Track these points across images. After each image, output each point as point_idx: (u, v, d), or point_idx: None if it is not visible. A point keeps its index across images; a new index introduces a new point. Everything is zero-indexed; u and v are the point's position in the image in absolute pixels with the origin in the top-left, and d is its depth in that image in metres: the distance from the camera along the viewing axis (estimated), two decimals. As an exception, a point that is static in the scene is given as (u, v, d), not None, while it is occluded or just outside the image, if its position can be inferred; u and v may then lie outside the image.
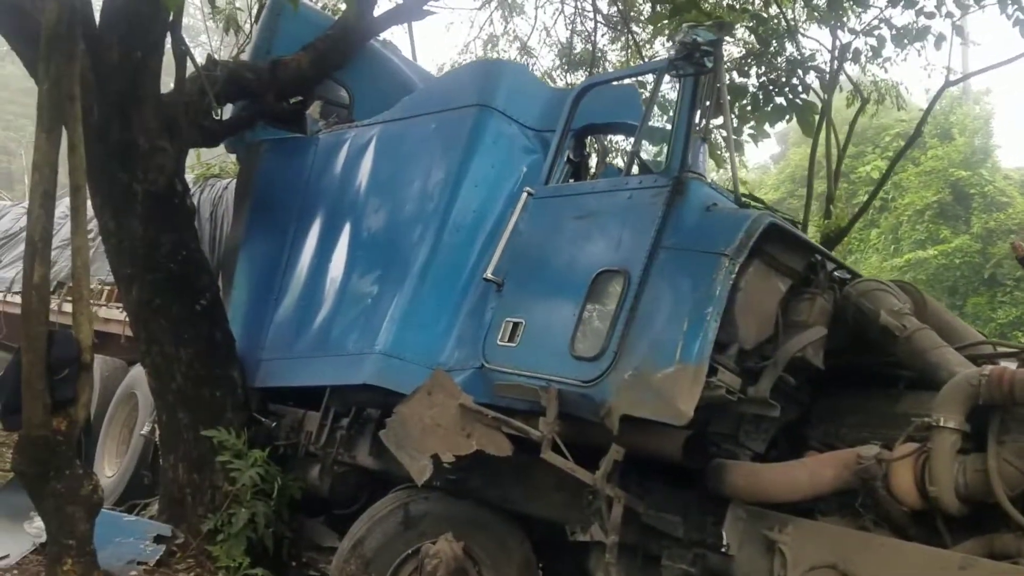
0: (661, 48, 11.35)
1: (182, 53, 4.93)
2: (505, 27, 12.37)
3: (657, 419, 2.99)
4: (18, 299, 9.68)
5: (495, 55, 11.85)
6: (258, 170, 5.62)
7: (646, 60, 11.99)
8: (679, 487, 3.35)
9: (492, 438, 3.61)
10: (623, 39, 11.67)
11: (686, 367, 2.93)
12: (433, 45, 43.75)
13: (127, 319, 7.10)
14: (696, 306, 2.99)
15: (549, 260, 3.78)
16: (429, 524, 4.11)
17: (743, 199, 3.56)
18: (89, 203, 7.87)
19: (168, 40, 4.96)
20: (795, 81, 7.17)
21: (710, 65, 3.24)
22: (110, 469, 6.57)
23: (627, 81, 5.23)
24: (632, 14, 11.21)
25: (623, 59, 12.13)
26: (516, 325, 3.72)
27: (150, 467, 5.58)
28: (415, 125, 4.85)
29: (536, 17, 11.83)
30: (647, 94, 4.94)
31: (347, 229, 4.88)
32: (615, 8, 11.08)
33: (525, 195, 4.11)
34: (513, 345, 3.69)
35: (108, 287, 7.90)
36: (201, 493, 4.92)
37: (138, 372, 6.71)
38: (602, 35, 11.66)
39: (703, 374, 2.92)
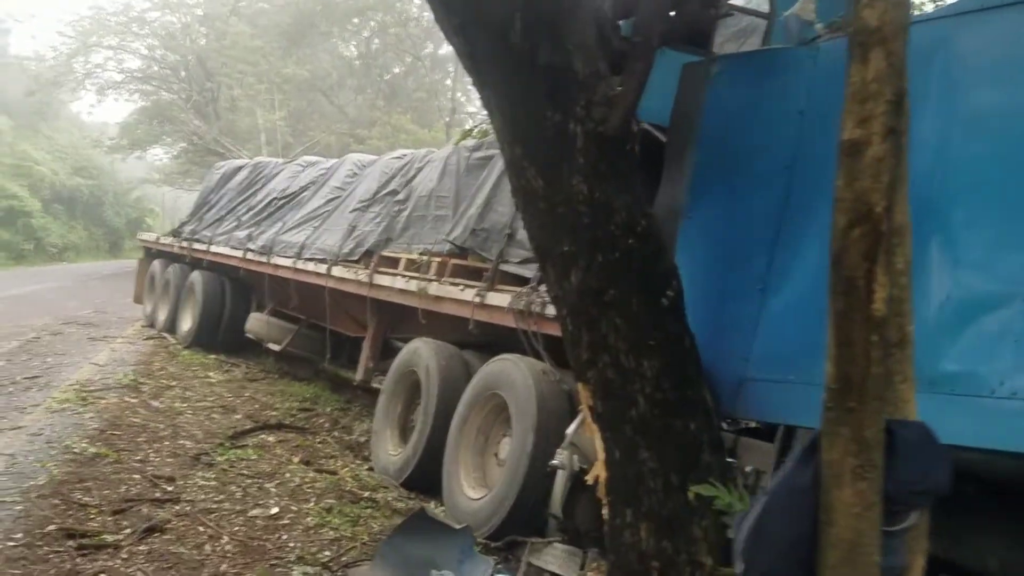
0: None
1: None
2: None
3: None
4: (311, 266, 8.83)
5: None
6: (708, 104, 3.99)
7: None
8: None
9: None
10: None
11: None
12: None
13: (476, 300, 5.88)
14: None
15: None
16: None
17: None
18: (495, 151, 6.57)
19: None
20: None
21: None
22: (472, 490, 5.32)
23: None
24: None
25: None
26: None
27: (564, 509, 4.21)
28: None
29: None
30: None
31: (941, 184, 3.07)
32: None
33: None
34: None
35: (437, 259, 6.69)
36: (676, 568, 3.43)
37: (500, 368, 5.39)
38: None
39: None
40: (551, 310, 5.04)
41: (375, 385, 9.08)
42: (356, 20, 33.22)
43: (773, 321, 3.55)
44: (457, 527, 4.14)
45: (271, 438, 7.22)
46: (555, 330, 5.05)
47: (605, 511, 3.67)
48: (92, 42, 33.99)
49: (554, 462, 4.25)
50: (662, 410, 3.46)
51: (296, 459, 6.55)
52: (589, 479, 3.88)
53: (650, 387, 3.46)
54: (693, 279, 3.73)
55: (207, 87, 34.80)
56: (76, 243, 45.85)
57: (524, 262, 5.71)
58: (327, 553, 4.56)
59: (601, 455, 3.66)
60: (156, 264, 13.93)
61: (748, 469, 3.71)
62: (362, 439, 7.59)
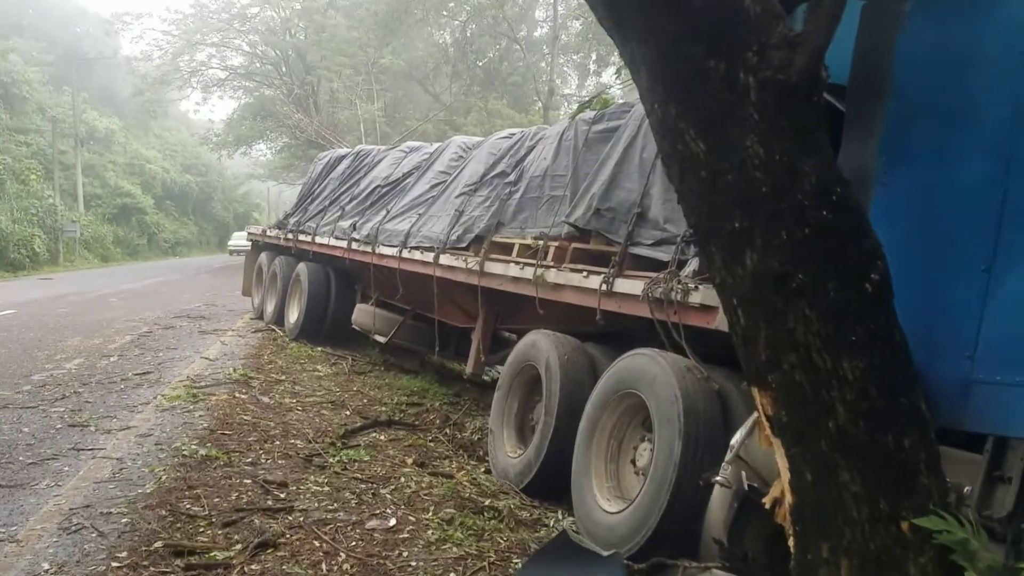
0: None
1: None
2: None
3: None
4: (416, 255, 8.41)
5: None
6: (900, 49, 3.28)
7: None
8: None
9: None
10: None
11: None
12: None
13: (603, 288, 5.29)
14: None
15: None
16: None
17: None
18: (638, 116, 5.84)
19: None
20: None
21: None
22: (608, 502, 4.74)
23: None
24: None
25: None
26: None
27: (728, 532, 3.59)
28: None
29: None
30: None
31: None
32: None
33: None
34: None
35: (554, 243, 6.12)
36: (888, 616, 2.79)
37: (636, 364, 4.78)
38: None
39: None
40: (695, 297, 4.42)
41: (485, 378, 8.65)
42: (452, 4, 32.94)
43: (1006, 309, 2.84)
44: (604, 554, 3.58)
45: (382, 436, 6.84)
46: (700, 321, 4.44)
47: (791, 542, 3.04)
48: (196, 40, 34.88)
49: (717, 478, 3.63)
50: (869, 422, 2.80)
51: (410, 461, 6.13)
52: (767, 502, 3.24)
53: (853, 393, 2.80)
54: (895, 259, 3.03)
55: (307, 81, 35.29)
56: (187, 238, 47.62)
57: (658, 243, 5.08)
58: (452, 575, 4.08)
59: (785, 475, 3.02)
60: (263, 257, 13.89)
61: (967, 490, 3.01)
62: (475, 437, 7.13)
